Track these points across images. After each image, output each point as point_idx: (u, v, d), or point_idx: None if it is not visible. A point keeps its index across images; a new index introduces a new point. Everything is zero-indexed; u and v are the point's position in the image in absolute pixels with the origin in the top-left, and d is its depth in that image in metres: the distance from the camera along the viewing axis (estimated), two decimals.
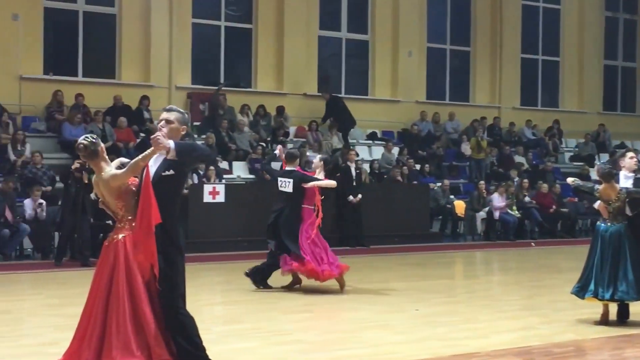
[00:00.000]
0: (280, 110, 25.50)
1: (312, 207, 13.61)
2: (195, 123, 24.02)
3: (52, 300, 12.62)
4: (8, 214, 17.58)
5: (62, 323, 10.51)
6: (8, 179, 18.19)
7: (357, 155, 23.48)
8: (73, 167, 17.16)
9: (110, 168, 6.98)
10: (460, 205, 24.41)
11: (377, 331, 10.25)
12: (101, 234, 17.97)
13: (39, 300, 12.86)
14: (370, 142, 27.10)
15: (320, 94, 26.26)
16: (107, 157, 7.10)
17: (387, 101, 28.13)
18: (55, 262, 16.99)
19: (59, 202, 18.59)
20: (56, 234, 18.28)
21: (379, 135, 27.34)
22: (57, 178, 19.29)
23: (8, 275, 15.70)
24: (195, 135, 22.36)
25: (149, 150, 6.81)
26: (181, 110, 7.25)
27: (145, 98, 23.38)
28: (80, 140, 7.02)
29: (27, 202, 18.17)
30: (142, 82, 24.06)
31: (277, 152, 14.10)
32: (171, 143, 6.74)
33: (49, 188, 19.12)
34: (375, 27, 28.13)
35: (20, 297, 13.50)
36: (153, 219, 6.67)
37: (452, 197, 24.80)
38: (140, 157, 6.83)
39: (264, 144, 24.02)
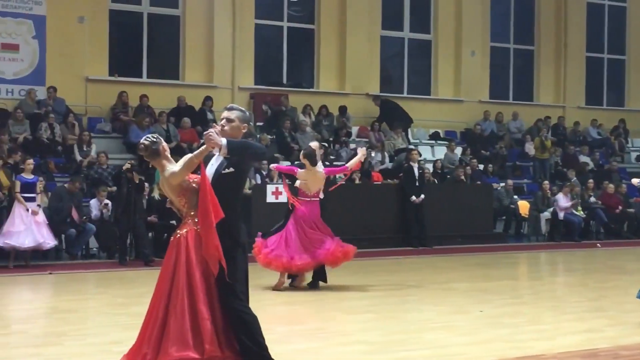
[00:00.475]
0: (343, 110, 25.49)
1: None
2: (258, 123, 24.13)
3: (117, 300, 12.73)
4: (74, 214, 17.77)
5: (127, 322, 10.61)
6: (74, 179, 18.39)
7: (420, 155, 23.38)
8: (124, 167, 17.42)
9: (172, 165, 6.93)
10: (524, 206, 24.18)
11: (441, 332, 10.17)
12: (165, 234, 18.18)
13: (104, 300, 12.97)
14: (433, 142, 26.98)
15: (373, 101, 26.19)
16: (169, 156, 7.04)
17: (450, 101, 27.98)
18: (119, 262, 17.19)
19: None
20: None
21: (441, 135, 27.20)
22: (110, 179, 19.48)
23: (74, 274, 15.88)
24: (258, 136, 22.43)
25: (202, 147, 6.76)
26: (242, 109, 7.16)
27: (208, 99, 23.53)
28: (142, 140, 7.00)
29: (93, 202, 18.36)
30: (205, 82, 24.22)
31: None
32: (223, 140, 6.68)
33: (114, 188, 19.29)
34: (438, 26, 28.00)
35: (85, 296, 13.65)
36: (214, 215, 6.66)
37: (515, 197, 24.58)
38: (194, 153, 6.80)
39: (326, 144, 24.00)
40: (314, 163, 13.47)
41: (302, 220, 13.50)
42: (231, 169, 6.87)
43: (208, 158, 6.98)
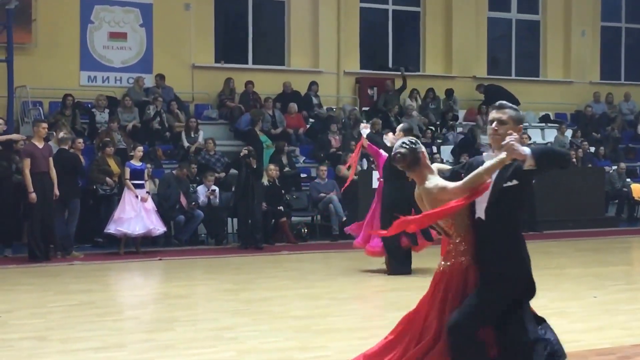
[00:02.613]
0: (449, 93, 25.30)
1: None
2: (363, 108, 24.11)
3: (226, 285, 12.87)
4: (183, 200, 18.02)
5: (237, 308, 10.74)
6: (182, 165, 18.64)
7: (530, 138, 23.04)
8: (242, 153, 17.65)
9: (436, 177, 5.86)
10: (637, 189, 23.66)
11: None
12: (273, 220, 18.33)
13: (213, 285, 13.13)
14: (543, 124, 26.56)
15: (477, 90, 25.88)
16: (429, 162, 5.96)
17: (559, 82, 27.52)
18: (241, 246, 17.61)
19: (232, 189, 19.01)
20: (229, 219, 18.77)
21: (551, 117, 26.78)
22: (230, 163, 19.72)
23: (183, 260, 16.11)
24: (364, 121, 22.38)
25: (496, 160, 5.61)
26: (514, 107, 5.94)
27: (314, 84, 23.60)
28: (397, 149, 5.90)
29: (201, 189, 18.58)
30: (310, 68, 24.29)
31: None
32: (526, 150, 5.50)
33: (222, 174, 19.52)
34: (546, 6, 27.55)
35: (195, 282, 13.82)
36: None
37: (628, 180, 24.06)
38: (485, 168, 5.63)
39: (432, 128, 23.87)
40: None
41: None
42: (514, 182, 5.69)
43: (472, 167, 5.85)
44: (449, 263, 5.86)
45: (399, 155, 5.86)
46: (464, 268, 5.80)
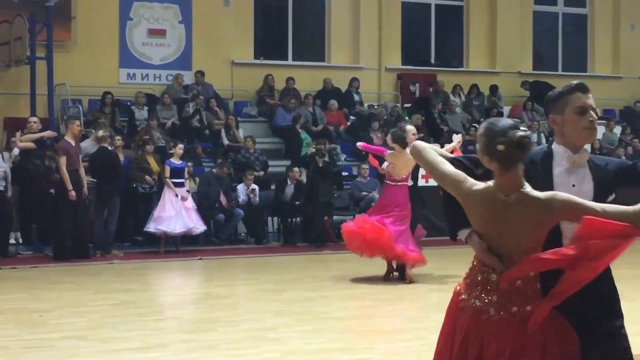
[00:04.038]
0: (494, 89, 25.22)
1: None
2: (405, 105, 24.11)
3: (267, 285, 12.93)
4: (222, 199, 18.12)
5: (280, 308, 10.82)
6: (222, 164, 18.75)
7: None
8: (309, 152, 17.94)
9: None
10: None
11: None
12: (325, 217, 18.42)
13: (254, 285, 13.19)
14: None
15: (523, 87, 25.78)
16: None
17: (607, 77, 27.32)
18: (315, 246, 17.83)
19: (272, 187, 19.13)
20: (269, 218, 18.93)
21: (599, 114, 26.55)
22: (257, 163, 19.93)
23: (223, 260, 16.22)
24: (407, 118, 22.39)
25: None
26: None
27: (354, 80, 23.63)
28: (522, 132, 4.12)
29: (240, 187, 18.67)
30: (351, 64, 24.32)
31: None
32: None
33: (262, 173, 19.61)
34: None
35: (236, 281, 13.93)
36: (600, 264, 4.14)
37: None
38: None
39: (476, 125, 23.79)
40: (404, 146, 13.11)
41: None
42: (612, 196, 4.53)
43: (550, 175, 4.43)
44: (515, 308, 4.14)
45: (526, 139, 4.13)
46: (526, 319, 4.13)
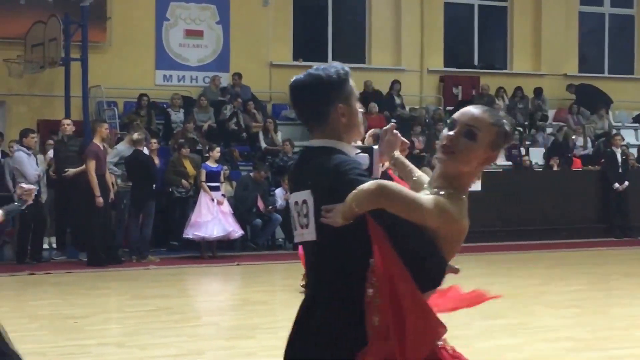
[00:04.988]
0: (538, 92, 25.03)
1: None
2: (448, 108, 23.97)
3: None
4: (260, 204, 18.08)
5: None
6: (260, 167, 18.71)
7: (623, 139, 22.71)
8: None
9: None
10: None
11: None
12: None
13: (293, 292, 13.09)
14: (637, 124, 26.15)
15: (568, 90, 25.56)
16: None
17: None
18: None
19: None
20: None
21: None
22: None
23: (261, 265, 16.19)
24: (448, 121, 22.23)
25: None
26: None
27: (396, 83, 23.53)
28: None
29: (278, 192, 18.63)
30: (393, 66, 24.24)
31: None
32: None
33: None
34: None
35: (274, 287, 13.90)
36: None
37: None
38: None
39: (521, 129, 23.64)
40: None
41: None
42: None
43: None
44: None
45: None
46: None
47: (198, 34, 22.43)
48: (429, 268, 3.62)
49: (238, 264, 16.19)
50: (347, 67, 4.02)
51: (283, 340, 9.42)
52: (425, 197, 3.64)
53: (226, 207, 17.04)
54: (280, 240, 19.02)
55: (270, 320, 10.68)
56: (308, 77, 3.91)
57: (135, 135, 16.75)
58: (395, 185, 3.64)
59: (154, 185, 16.87)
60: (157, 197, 16.91)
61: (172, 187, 17.61)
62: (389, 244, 3.54)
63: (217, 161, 17.28)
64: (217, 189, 16.99)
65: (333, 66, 3.99)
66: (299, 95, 3.93)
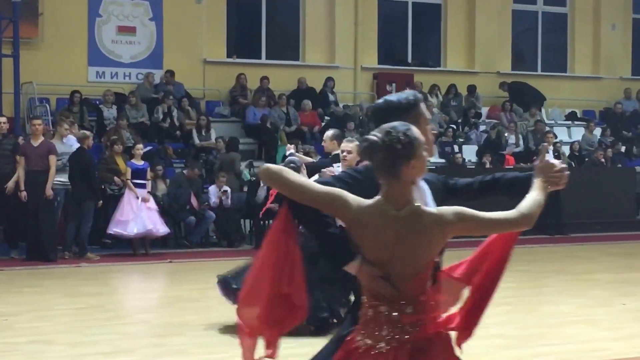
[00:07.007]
0: (472, 89, 25.30)
1: None
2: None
3: None
4: (193, 201, 18.10)
5: None
6: (193, 165, 18.72)
7: (555, 137, 23.08)
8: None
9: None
10: None
11: (582, 326, 10.08)
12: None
13: None
14: (570, 122, 26.55)
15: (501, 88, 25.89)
16: None
17: (587, 78, 27.49)
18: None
19: (244, 189, 19.10)
20: (242, 221, 18.87)
21: (579, 115, 26.76)
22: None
23: (194, 263, 16.20)
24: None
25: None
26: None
27: (330, 80, 23.65)
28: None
29: (212, 189, 18.66)
30: (326, 63, 24.34)
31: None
32: None
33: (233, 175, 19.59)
34: None
35: (207, 285, 13.83)
36: None
37: None
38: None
39: (454, 126, 23.91)
40: None
41: None
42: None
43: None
44: (407, 337, 3.95)
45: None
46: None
47: (131, 30, 22.33)
48: None
49: (170, 262, 16.18)
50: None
51: (214, 337, 9.53)
52: (321, 186, 4.05)
53: (152, 204, 17.00)
54: (213, 237, 19.04)
55: (202, 317, 10.70)
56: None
57: (82, 132, 16.68)
58: (281, 168, 4.04)
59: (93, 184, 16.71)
60: (95, 194, 16.71)
61: (105, 184, 17.55)
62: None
63: (145, 158, 17.26)
64: (143, 186, 16.96)
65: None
66: None
